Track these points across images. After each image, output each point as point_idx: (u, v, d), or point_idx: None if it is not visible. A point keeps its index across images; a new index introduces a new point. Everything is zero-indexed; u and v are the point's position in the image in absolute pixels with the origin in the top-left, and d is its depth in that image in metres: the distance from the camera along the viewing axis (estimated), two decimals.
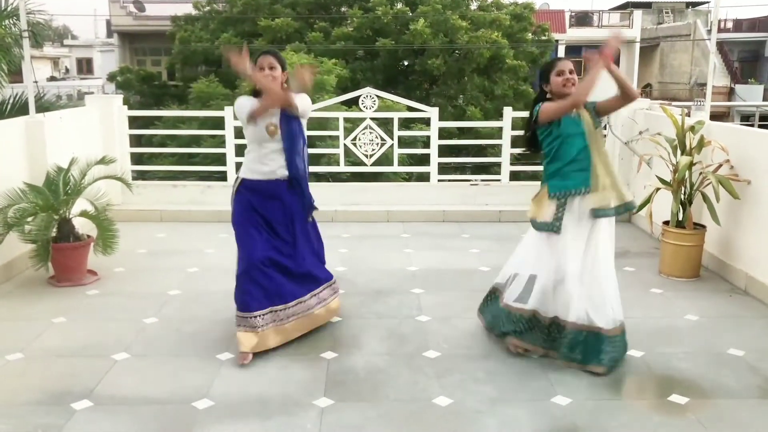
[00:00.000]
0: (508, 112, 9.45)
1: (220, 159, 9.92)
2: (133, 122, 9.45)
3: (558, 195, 4.86)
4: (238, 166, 8.93)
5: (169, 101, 22.32)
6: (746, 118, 36.03)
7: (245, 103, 5.05)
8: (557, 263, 4.89)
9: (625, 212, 5.03)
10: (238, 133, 9.08)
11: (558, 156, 4.89)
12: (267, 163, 5.06)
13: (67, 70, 55.57)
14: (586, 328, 4.82)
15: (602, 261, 4.88)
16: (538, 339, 5.01)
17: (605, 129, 5.49)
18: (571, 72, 4.91)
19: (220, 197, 9.07)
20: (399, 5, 22.21)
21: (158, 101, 23.65)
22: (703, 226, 6.91)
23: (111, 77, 27.07)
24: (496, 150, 16.00)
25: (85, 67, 54.57)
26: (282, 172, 5.08)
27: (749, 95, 37.26)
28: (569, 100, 4.80)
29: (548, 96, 4.99)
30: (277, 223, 5.13)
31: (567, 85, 4.87)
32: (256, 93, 5.12)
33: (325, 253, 5.62)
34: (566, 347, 4.86)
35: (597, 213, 4.81)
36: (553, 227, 4.88)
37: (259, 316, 4.97)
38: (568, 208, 4.84)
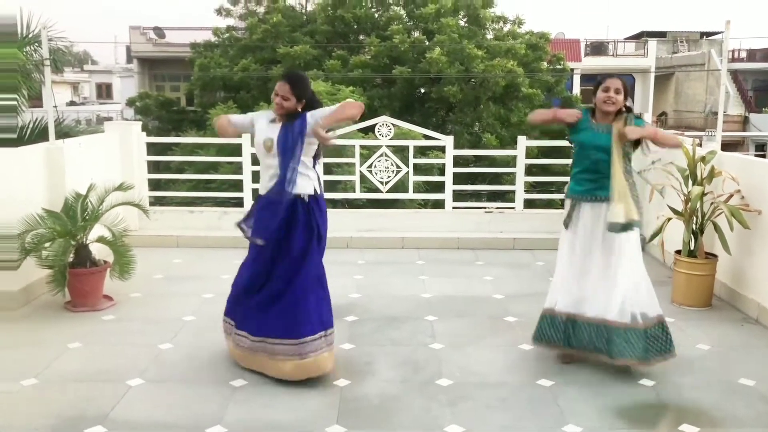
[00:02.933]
0: (522, 141, 9.51)
1: (237, 185, 10.00)
2: (151, 148, 9.55)
3: (571, 197, 5.34)
4: (255, 192, 9.07)
5: (188, 127, 22.51)
6: (761, 147, 35.95)
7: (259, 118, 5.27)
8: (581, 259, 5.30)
9: (625, 230, 5.15)
10: (255, 159, 9.17)
11: (575, 162, 5.35)
12: (266, 178, 5.11)
13: (85, 98, 56.10)
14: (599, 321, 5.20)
15: (618, 261, 5.17)
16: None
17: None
18: (616, 91, 5.17)
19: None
20: (416, 34, 22.40)
21: (176, 127, 23.85)
22: (715, 256, 6.91)
23: (130, 102, 27.35)
24: (510, 177, 16.08)
25: (104, 92, 55.15)
26: (278, 188, 5.02)
27: (764, 124, 37.18)
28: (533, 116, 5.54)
29: (593, 107, 5.33)
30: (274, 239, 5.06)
31: (607, 102, 5.17)
32: None
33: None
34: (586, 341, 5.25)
35: (608, 227, 5.14)
36: (564, 223, 5.38)
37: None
38: (579, 211, 5.27)
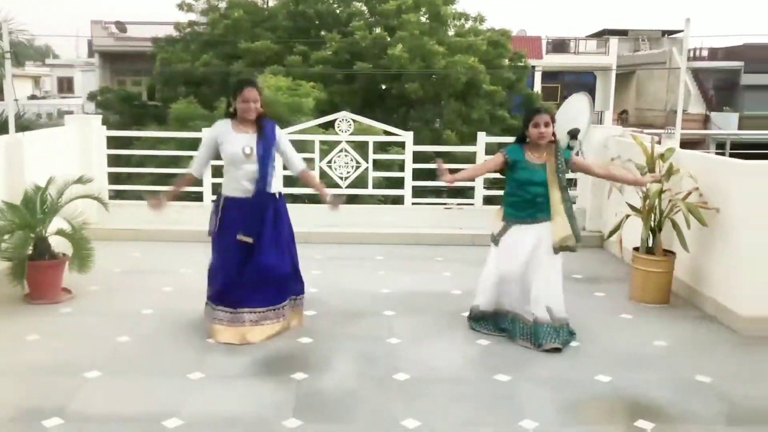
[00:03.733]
0: (482, 138, 9.58)
1: (197, 180, 9.93)
2: (112, 142, 9.47)
3: (508, 220, 5.82)
4: (214, 186, 9.05)
5: (149, 121, 22.32)
6: (722, 146, 36.43)
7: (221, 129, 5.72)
8: (498, 268, 5.87)
9: (562, 251, 5.77)
10: (215, 156, 9.12)
11: (512, 192, 5.82)
12: (242, 182, 5.56)
13: (46, 92, 55.38)
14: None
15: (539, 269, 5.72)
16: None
17: (577, 155, 5.87)
18: (545, 125, 5.67)
19: (195, 217, 9.06)
20: (377, 30, 22.36)
21: (138, 121, 23.63)
22: (673, 253, 7.00)
23: (91, 97, 27.09)
24: None
25: (66, 86, 54.41)
26: (258, 190, 5.57)
27: (725, 123, 37.69)
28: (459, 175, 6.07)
29: (527, 139, 5.79)
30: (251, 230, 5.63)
31: (541, 137, 5.67)
32: (229, 114, 5.68)
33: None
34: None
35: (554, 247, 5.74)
36: (495, 241, 5.91)
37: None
38: (512, 231, 5.78)
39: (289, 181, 7.75)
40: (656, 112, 40.74)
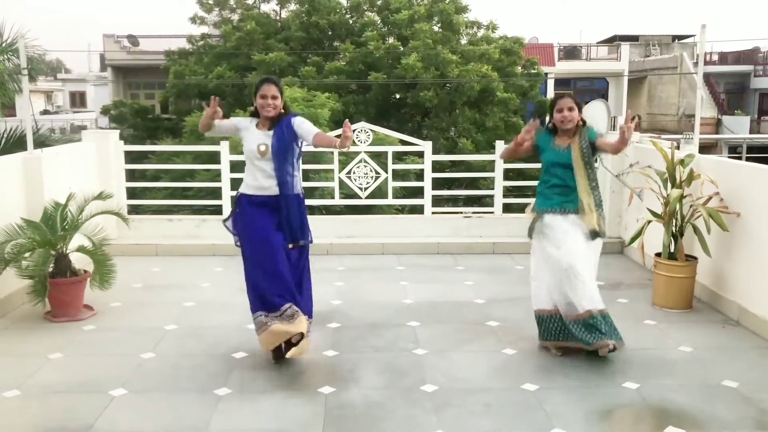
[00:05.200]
0: (500, 146, 9.51)
1: (215, 192, 9.95)
2: (127, 156, 9.48)
3: (538, 211, 5.70)
4: (233, 200, 9.03)
5: (163, 135, 22.39)
6: (734, 149, 36.32)
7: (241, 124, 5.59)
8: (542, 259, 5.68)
9: (593, 238, 5.60)
10: (233, 167, 9.16)
11: (542, 178, 5.75)
12: (259, 179, 5.41)
13: (59, 107, 55.70)
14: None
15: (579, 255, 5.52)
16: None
17: (596, 162, 5.83)
18: (569, 109, 5.58)
19: (215, 231, 9.05)
20: (390, 40, 22.39)
21: (151, 135, 23.72)
22: (695, 258, 6.97)
23: (105, 111, 27.17)
24: (488, 182, 16.11)
25: (78, 100, 54.76)
26: (275, 190, 5.41)
27: (736, 126, 37.63)
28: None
29: (552, 126, 5.74)
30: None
31: (564, 121, 5.58)
32: (255, 114, 5.54)
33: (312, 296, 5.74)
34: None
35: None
36: (528, 234, 5.79)
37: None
38: (543, 220, 5.62)
39: (307, 192, 7.70)
40: (668, 117, 40.66)
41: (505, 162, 9.44)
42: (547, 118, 5.85)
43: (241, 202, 5.51)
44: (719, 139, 36.84)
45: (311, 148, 6.04)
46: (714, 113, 39.61)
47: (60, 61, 62.49)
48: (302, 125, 5.44)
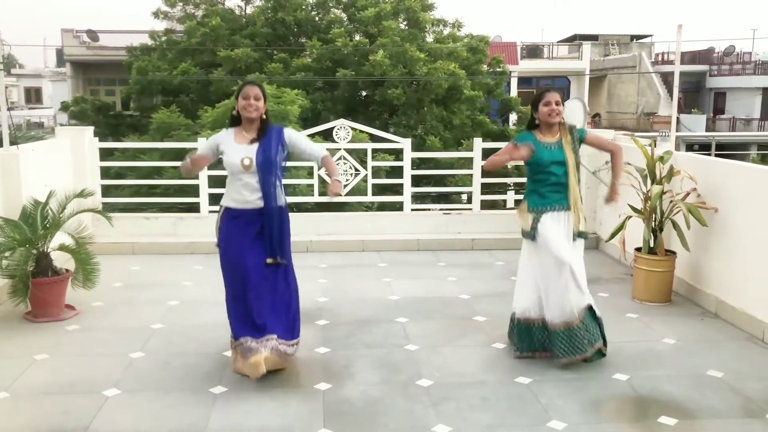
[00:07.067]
0: (478, 143, 9.57)
1: (184, 190, 9.85)
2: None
3: (536, 210, 5.48)
4: (212, 197, 8.99)
5: (125, 131, 22.09)
6: (690, 147, 36.91)
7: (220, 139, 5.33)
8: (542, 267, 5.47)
9: (580, 237, 5.56)
10: (213, 165, 9.05)
11: (534, 179, 5.53)
12: (242, 193, 5.15)
13: (13, 102, 54.79)
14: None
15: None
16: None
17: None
18: (557, 103, 5.45)
19: (192, 228, 9.06)
20: (358, 37, 22.32)
21: (113, 132, 23.36)
22: (674, 253, 7.09)
23: (65, 107, 26.75)
24: (456, 179, 16.17)
25: (33, 96, 53.93)
26: (259, 203, 5.16)
27: (693, 124, 38.26)
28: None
29: (537, 122, 5.56)
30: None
31: (552, 114, 5.42)
32: (234, 121, 5.30)
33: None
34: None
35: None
36: (530, 235, 5.49)
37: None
38: (543, 220, 5.43)
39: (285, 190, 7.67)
40: (627, 116, 41.20)
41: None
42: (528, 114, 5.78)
43: (224, 216, 5.26)
44: (679, 136, 37.38)
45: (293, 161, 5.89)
46: (671, 111, 40.17)
47: (12, 55, 61.40)
48: (301, 143, 5.39)
